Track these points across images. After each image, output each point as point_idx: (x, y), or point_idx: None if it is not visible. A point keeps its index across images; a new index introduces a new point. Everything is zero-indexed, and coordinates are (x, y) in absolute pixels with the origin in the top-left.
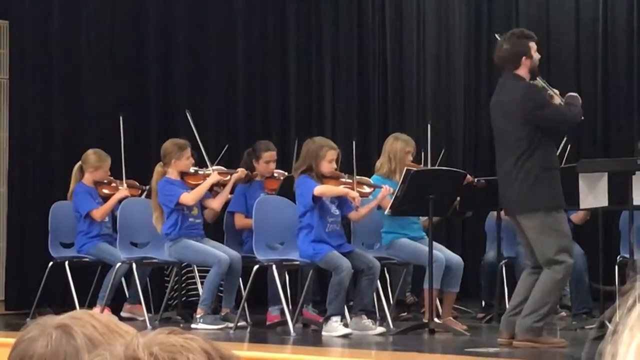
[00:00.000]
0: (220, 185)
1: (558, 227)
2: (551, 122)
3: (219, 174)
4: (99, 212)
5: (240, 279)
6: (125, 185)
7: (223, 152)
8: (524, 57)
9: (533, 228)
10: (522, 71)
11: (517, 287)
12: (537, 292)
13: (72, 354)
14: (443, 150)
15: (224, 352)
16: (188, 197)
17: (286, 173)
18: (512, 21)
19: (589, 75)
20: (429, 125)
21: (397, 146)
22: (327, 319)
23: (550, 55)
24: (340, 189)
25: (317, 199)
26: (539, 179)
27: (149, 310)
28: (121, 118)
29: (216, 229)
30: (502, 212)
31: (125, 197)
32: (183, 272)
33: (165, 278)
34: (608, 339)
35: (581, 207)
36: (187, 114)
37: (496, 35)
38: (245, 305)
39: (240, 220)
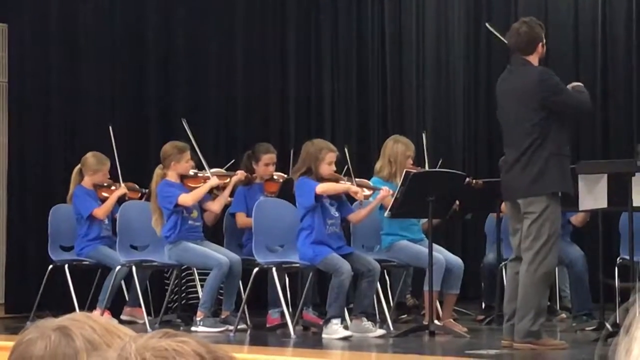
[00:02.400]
0: (220, 188)
1: (553, 218)
2: (567, 107)
3: (219, 177)
4: (101, 211)
5: (240, 281)
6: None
7: (227, 166)
8: (540, 43)
9: (532, 212)
10: (534, 58)
11: (506, 292)
12: (521, 295)
13: (70, 356)
14: (440, 160)
15: (218, 354)
16: (187, 198)
17: (286, 175)
18: (511, 23)
19: (587, 76)
20: (424, 135)
21: (398, 149)
22: (327, 322)
23: (549, 56)
24: (342, 185)
25: (319, 198)
26: (549, 164)
27: (149, 313)
28: (111, 128)
29: (216, 231)
30: (502, 213)
31: (124, 195)
32: (183, 274)
33: (165, 281)
34: (622, 335)
35: (580, 208)
36: (183, 123)
37: (487, 25)
38: (245, 308)
39: (242, 219)
